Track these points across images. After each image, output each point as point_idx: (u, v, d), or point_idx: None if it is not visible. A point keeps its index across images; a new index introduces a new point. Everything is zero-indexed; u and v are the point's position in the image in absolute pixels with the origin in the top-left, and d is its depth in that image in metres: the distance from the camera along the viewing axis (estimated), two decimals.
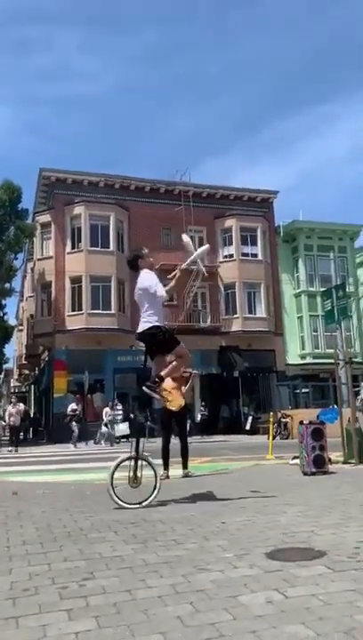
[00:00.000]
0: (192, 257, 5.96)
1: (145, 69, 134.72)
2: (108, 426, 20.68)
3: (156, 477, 5.01)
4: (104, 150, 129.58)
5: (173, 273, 5.43)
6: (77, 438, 20.15)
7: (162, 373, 5.13)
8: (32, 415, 33.02)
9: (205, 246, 5.74)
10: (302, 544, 3.22)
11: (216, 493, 5.53)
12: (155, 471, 5.06)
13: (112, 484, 4.81)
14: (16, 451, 17.74)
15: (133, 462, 5.04)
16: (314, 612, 2.14)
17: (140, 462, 5.06)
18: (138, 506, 4.77)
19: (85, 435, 21.20)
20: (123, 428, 20.81)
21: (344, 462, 8.24)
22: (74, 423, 20.31)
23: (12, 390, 29.50)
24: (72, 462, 11.85)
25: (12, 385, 59.38)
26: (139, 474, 5.04)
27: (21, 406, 20.12)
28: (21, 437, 23.33)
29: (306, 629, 1.97)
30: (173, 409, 7.46)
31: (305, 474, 6.87)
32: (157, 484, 4.96)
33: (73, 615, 2.23)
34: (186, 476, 7.37)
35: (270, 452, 10.77)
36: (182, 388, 7.68)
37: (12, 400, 21.25)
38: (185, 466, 7.53)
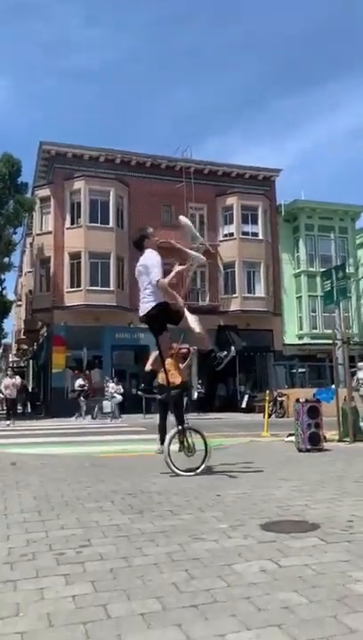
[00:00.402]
0: (191, 259, 5.77)
1: (147, 43, 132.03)
2: (112, 401, 20.70)
3: (206, 446, 5.21)
4: (105, 125, 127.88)
5: (179, 269, 5.43)
6: (84, 413, 20.33)
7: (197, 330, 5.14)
8: (30, 389, 33.19)
9: (200, 255, 5.65)
10: (297, 517, 3.27)
11: (212, 467, 5.59)
12: (204, 439, 5.29)
13: (169, 454, 5.11)
14: (13, 423, 17.42)
15: (184, 434, 5.25)
16: (307, 580, 2.18)
17: (188, 432, 5.32)
18: (193, 474, 5.01)
19: (86, 410, 21.29)
20: (107, 405, 21.03)
21: (339, 440, 8.33)
22: (82, 398, 20.52)
23: (10, 364, 29.24)
24: (70, 436, 11.96)
25: (10, 360, 59.53)
26: (191, 442, 5.29)
27: (18, 379, 19.66)
28: (19, 411, 23.57)
29: (299, 597, 2.01)
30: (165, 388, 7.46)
31: (300, 450, 6.95)
32: (208, 452, 5.19)
33: (70, 580, 2.27)
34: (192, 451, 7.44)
35: (265, 430, 10.87)
36: (180, 365, 7.70)
37: (9, 373, 21.05)
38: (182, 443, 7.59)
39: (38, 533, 3.03)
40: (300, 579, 2.20)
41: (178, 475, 5.02)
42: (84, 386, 21.01)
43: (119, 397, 20.64)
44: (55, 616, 1.90)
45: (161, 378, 7.45)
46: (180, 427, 5.40)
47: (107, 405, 21.07)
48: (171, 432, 5.47)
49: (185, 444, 5.31)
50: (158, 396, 5.67)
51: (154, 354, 5.57)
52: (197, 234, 5.84)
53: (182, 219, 6.02)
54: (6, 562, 2.53)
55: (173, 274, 5.29)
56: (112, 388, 20.90)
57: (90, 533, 3.00)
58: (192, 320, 5.22)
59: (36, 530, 3.12)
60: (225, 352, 5.91)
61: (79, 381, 21.23)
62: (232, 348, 5.87)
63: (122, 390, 21.32)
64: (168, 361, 7.32)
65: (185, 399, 19.22)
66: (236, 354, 5.61)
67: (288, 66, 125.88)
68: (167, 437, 5.35)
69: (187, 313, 5.20)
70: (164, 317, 5.07)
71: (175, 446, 5.35)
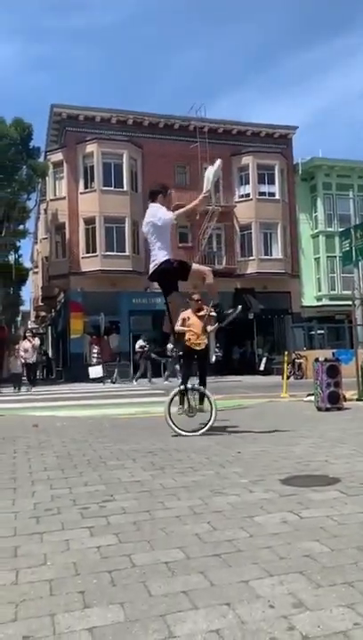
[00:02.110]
0: (210, 176, 5.54)
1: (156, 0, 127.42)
2: (144, 362, 20.30)
3: (212, 406, 5.22)
4: (115, 86, 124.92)
5: (196, 202, 5.31)
6: (142, 375, 19.85)
7: (177, 329, 5.21)
8: (48, 355, 33.62)
9: (218, 162, 5.43)
10: (316, 472, 3.29)
11: (231, 426, 5.64)
12: (210, 400, 5.28)
13: (169, 414, 5.13)
14: (32, 389, 16.44)
15: (186, 394, 5.27)
16: (328, 530, 2.20)
17: (191, 394, 5.40)
18: (195, 433, 5.03)
19: (105, 374, 21.58)
20: (98, 371, 21.25)
21: (358, 399, 8.32)
22: (143, 360, 20.11)
23: (32, 329, 27.91)
24: (90, 399, 12.14)
25: (29, 327, 60.26)
26: (193, 404, 5.31)
27: (37, 340, 18.36)
28: (38, 377, 22.39)
29: (320, 545, 2.03)
30: (198, 348, 7.44)
31: (319, 409, 6.96)
32: (214, 412, 5.18)
33: (94, 532, 2.32)
34: (200, 411, 7.50)
35: (284, 391, 10.89)
36: (208, 327, 7.64)
37: (27, 335, 18.71)
38: (201, 402, 7.65)
39: (62, 490, 3.10)
40: (321, 529, 2.22)
41: (179, 434, 4.99)
42: (144, 347, 20.30)
43: (98, 369, 20.61)
44: (81, 565, 1.95)
45: (191, 340, 7.45)
46: (181, 387, 5.39)
47: (93, 371, 21.13)
48: (172, 392, 5.44)
49: (186, 404, 5.31)
50: (169, 358, 5.72)
51: (181, 313, 5.52)
52: (209, 182, 5.60)
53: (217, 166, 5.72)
54: (32, 516, 2.60)
55: (189, 206, 5.27)
56: (140, 346, 20.87)
57: (112, 489, 3.05)
58: (202, 268, 5.20)
59: (60, 486, 3.19)
60: (232, 309, 5.82)
61: (140, 342, 20.43)
62: (239, 306, 5.76)
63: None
64: (197, 323, 7.29)
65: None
66: (242, 313, 5.53)
67: (302, 19, 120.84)
68: (168, 397, 5.32)
69: (194, 264, 5.17)
70: (173, 273, 5.00)
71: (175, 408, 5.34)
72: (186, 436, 4.98)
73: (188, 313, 7.43)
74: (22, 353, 16.60)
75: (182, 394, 5.41)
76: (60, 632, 1.48)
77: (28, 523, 2.49)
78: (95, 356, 21.77)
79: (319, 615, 1.51)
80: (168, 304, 5.19)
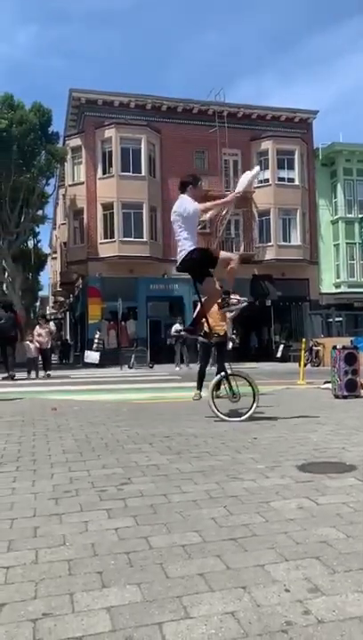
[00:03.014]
0: (246, 180, 5.67)
1: None
2: (179, 346, 20.13)
3: (254, 392, 5.24)
4: (134, 70, 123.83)
5: (227, 199, 5.41)
6: (180, 360, 19.75)
7: (196, 314, 5.24)
8: (64, 340, 33.85)
9: (256, 168, 5.55)
10: (333, 459, 3.28)
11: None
12: (252, 384, 5.30)
13: (214, 398, 5.24)
14: (47, 376, 15.39)
15: (227, 379, 5.30)
16: (345, 517, 2.20)
17: (234, 379, 5.39)
18: (239, 419, 5.06)
19: (122, 360, 21.72)
20: (94, 357, 21.33)
21: None
22: (178, 344, 19.96)
23: (45, 314, 27.35)
24: (107, 384, 12.24)
25: (47, 312, 60.82)
26: (236, 389, 5.35)
27: (52, 325, 17.96)
28: (54, 361, 21.47)
29: (337, 532, 2.04)
30: (216, 335, 7.46)
31: (337, 397, 6.93)
32: (256, 396, 5.22)
33: (112, 514, 2.36)
34: (218, 397, 7.52)
35: (301, 378, 10.86)
36: (227, 314, 7.65)
37: (40, 321, 17.64)
38: (218, 388, 7.66)
39: (80, 472, 3.15)
40: (337, 515, 2.22)
41: (223, 420, 5.08)
42: (179, 331, 20.32)
43: (95, 355, 20.59)
44: (99, 546, 1.99)
45: (206, 325, 7.47)
46: (224, 373, 5.43)
47: (89, 357, 21.21)
48: (216, 378, 5.51)
49: (228, 390, 5.36)
50: (202, 340, 5.70)
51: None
52: (250, 175, 5.67)
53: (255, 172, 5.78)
54: (51, 497, 2.65)
55: (219, 201, 5.32)
56: (175, 329, 20.88)
57: (130, 472, 3.09)
58: (230, 255, 5.23)
59: (78, 469, 3.23)
60: (238, 298, 5.82)
61: (176, 326, 19.86)
62: (245, 302, 5.77)
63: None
64: (215, 310, 7.31)
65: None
66: (248, 304, 5.49)
67: (321, 1, 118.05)
68: (212, 383, 5.41)
69: (222, 252, 5.19)
70: (201, 261, 5.02)
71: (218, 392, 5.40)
72: (229, 421, 5.04)
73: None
74: (37, 337, 16.06)
75: (225, 379, 5.43)
76: (78, 610, 1.51)
77: (47, 504, 2.54)
78: (96, 341, 21.86)
79: (335, 600, 1.52)
80: (199, 293, 5.26)
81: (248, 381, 5.35)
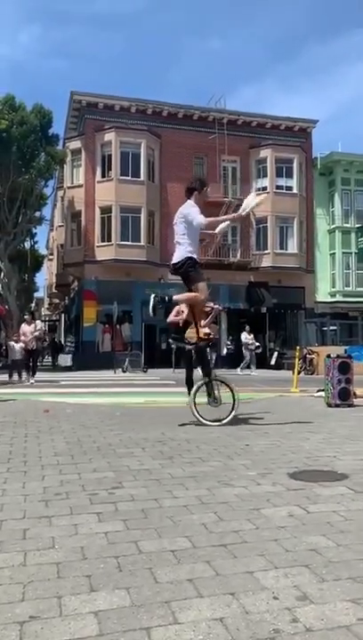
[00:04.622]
0: (250, 204, 5.72)
1: None
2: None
3: (234, 397, 5.31)
4: (135, 74, 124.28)
5: (231, 216, 5.55)
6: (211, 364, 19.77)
7: (175, 297, 5.30)
8: (56, 340, 33.67)
9: (262, 196, 5.80)
10: (325, 467, 3.29)
11: (240, 419, 5.65)
12: (233, 391, 5.37)
13: (195, 403, 5.24)
14: (30, 380, 13.73)
15: (209, 385, 5.31)
16: (335, 526, 2.20)
17: (215, 384, 5.43)
18: (219, 423, 5.11)
19: (116, 363, 21.69)
20: (66, 359, 21.33)
21: None
22: (207, 350, 20.02)
23: (31, 310, 24.96)
24: (101, 387, 12.22)
25: (42, 314, 60.69)
26: (217, 394, 5.40)
27: (39, 324, 15.29)
28: (39, 364, 18.25)
29: (327, 540, 2.04)
30: (192, 341, 7.54)
31: (330, 405, 6.93)
32: (236, 402, 5.29)
33: (103, 517, 2.35)
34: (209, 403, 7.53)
35: (294, 386, 10.86)
36: (202, 321, 7.72)
37: (26, 317, 15.38)
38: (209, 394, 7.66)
39: (72, 475, 3.13)
40: (328, 524, 2.22)
41: (204, 424, 5.11)
42: (209, 334, 20.12)
43: (67, 357, 20.62)
44: (89, 550, 1.98)
45: (189, 331, 7.51)
46: (206, 378, 5.46)
47: (62, 359, 21.24)
48: (198, 383, 5.55)
49: (212, 395, 5.38)
50: (188, 346, 5.79)
51: (177, 307, 5.63)
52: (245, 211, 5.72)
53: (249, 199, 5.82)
54: (42, 500, 2.63)
55: (222, 218, 5.41)
56: (245, 338, 20.94)
57: (121, 477, 3.08)
58: (192, 295, 5.30)
59: (69, 472, 3.22)
60: (211, 306, 5.87)
61: (204, 330, 20.27)
62: (218, 306, 5.93)
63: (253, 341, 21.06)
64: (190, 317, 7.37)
65: (214, 355, 19.42)
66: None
67: (324, 11, 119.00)
68: (194, 388, 5.43)
69: (198, 291, 5.23)
70: (185, 272, 5.15)
71: (203, 398, 5.41)
72: (210, 425, 5.07)
73: (183, 306, 7.47)
74: (22, 337, 14.19)
75: (207, 384, 5.46)
76: (66, 614, 1.50)
77: (37, 506, 2.53)
78: (68, 345, 21.83)
79: (323, 609, 1.52)
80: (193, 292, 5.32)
81: (229, 388, 5.39)
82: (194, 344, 7.64)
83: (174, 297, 5.42)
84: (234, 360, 26.00)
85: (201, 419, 5.17)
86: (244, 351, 21.00)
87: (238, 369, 20.54)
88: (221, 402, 5.41)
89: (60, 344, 33.40)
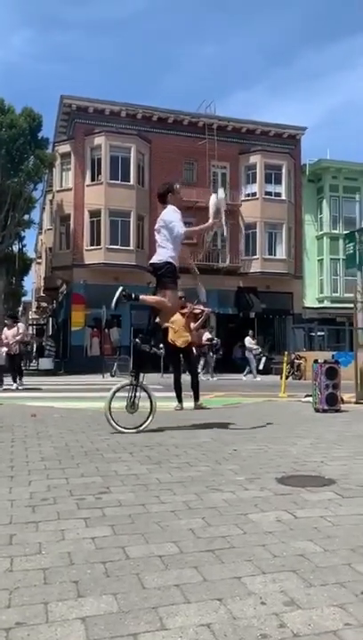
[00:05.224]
0: (213, 206, 5.62)
1: None
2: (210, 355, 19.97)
3: (151, 404, 5.16)
4: (126, 80, 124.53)
5: (207, 225, 5.46)
6: (210, 369, 19.33)
7: (142, 297, 5.21)
8: (43, 344, 33.35)
9: (220, 195, 5.52)
10: (313, 472, 3.30)
11: (228, 424, 5.66)
12: (151, 398, 5.20)
13: (110, 409, 5.00)
14: (17, 389, 12.84)
15: (131, 390, 5.18)
16: (322, 531, 2.21)
17: (137, 390, 5.22)
18: (134, 431, 4.94)
19: (104, 368, 21.61)
20: (46, 363, 21.38)
21: (357, 402, 8.32)
22: (211, 354, 19.56)
23: (13, 313, 24.28)
24: (89, 391, 12.16)
25: (30, 317, 60.35)
26: (136, 401, 5.18)
27: (21, 327, 14.41)
28: (25, 368, 18.53)
29: (314, 545, 2.05)
30: (179, 344, 7.55)
31: (317, 411, 6.97)
32: (153, 411, 5.13)
33: (90, 523, 2.33)
34: (198, 407, 7.54)
35: (282, 391, 10.91)
36: (191, 324, 7.73)
37: (7, 321, 14.69)
38: (196, 398, 7.67)
39: (59, 480, 3.12)
40: (315, 529, 2.23)
41: (120, 432, 4.89)
42: (211, 339, 19.36)
43: (46, 361, 20.79)
44: (76, 555, 1.97)
45: (170, 336, 7.52)
46: (132, 381, 5.20)
47: (41, 363, 21.41)
48: (116, 386, 5.24)
49: (129, 400, 5.16)
50: (159, 352, 5.64)
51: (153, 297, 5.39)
52: (221, 216, 5.65)
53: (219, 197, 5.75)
54: (28, 505, 2.61)
55: (200, 228, 5.33)
56: (249, 342, 20.73)
57: (109, 482, 3.07)
58: (160, 300, 5.19)
59: (56, 477, 3.20)
60: (201, 309, 5.82)
61: (206, 335, 19.16)
62: (209, 309, 5.81)
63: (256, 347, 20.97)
64: (180, 320, 7.38)
65: (203, 359, 19.43)
66: (214, 313, 5.46)
67: (317, 18, 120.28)
68: (110, 392, 5.09)
69: (166, 297, 5.11)
70: (164, 276, 5.07)
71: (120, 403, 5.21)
72: (124, 432, 4.88)
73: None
74: (4, 341, 13.52)
75: (130, 388, 5.26)
76: (53, 620, 1.49)
77: (24, 511, 2.51)
78: (48, 349, 21.91)
79: (311, 614, 1.52)
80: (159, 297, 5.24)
81: (149, 396, 5.19)
82: (181, 349, 7.66)
83: (141, 297, 5.24)
84: (224, 365, 26.05)
85: (116, 425, 4.94)
86: (248, 355, 20.94)
87: (243, 376, 20.59)
88: (137, 408, 5.18)
89: (44, 346, 33.25)
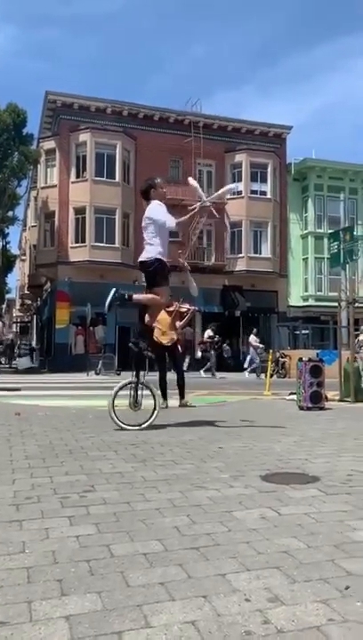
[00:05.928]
0: (219, 193, 5.76)
1: None
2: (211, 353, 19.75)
3: (155, 402, 5.17)
4: (112, 77, 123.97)
5: (193, 207, 5.41)
6: (213, 367, 19.17)
7: (135, 296, 5.22)
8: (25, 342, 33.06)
9: (234, 185, 5.71)
10: (297, 470, 3.32)
11: (214, 422, 5.67)
12: (154, 396, 5.21)
13: (113, 406, 5.03)
14: None
15: (133, 388, 5.20)
16: (306, 527, 2.23)
17: (140, 388, 5.21)
18: (137, 428, 4.96)
19: (89, 366, 21.52)
20: (25, 362, 21.39)
21: (340, 400, 8.40)
22: (212, 352, 19.52)
23: (14, 320, 25.83)
24: (74, 390, 12.11)
25: (14, 315, 59.86)
26: (139, 398, 5.20)
27: None
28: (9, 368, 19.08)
29: (298, 542, 2.06)
30: (164, 342, 7.54)
31: (301, 408, 7.02)
32: (157, 408, 5.15)
33: (74, 521, 2.32)
34: (183, 406, 7.54)
35: (267, 389, 10.96)
36: (177, 323, 7.74)
37: None
38: (182, 396, 7.68)
39: (43, 478, 3.10)
40: (299, 526, 2.24)
41: (123, 428, 4.93)
42: (213, 337, 19.40)
43: (25, 360, 20.77)
44: (60, 554, 1.96)
45: (156, 334, 7.51)
46: (135, 379, 5.23)
47: (20, 363, 21.42)
48: (119, 384, 5.30)
49: (132, 398, 5.20)
50: (149, 353, 5.67)
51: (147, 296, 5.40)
52: (204, 196, 5.65)
53: (191, 181, 5.86)
54: (12, 504, 2.59)
55: (186, 217, 5.31)
56: (254, 340, 20.67)
57: (93, 480, 3.06)
58: (156, 298, 5.20)
59: (40, 475, 3.18)
60: (188, 307, 6.23)
61: (208, 332, 19.41)
62: (195, 307, 5.85)
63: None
64: (165, 318, 7.38)
65: (188, 357, 19.45)
66: (199, 312, 5.55)
67: (304, 18, 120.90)
68: (114, 389, 5.15)
69: (159, 295, 5.12)
70: (153, 274, 5.07)
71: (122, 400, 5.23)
72: (129, 430, 4.91)
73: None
74: None
75: (133, 386, 5.30)
76: (36, 619, 1.48)
77: (7, 510, 2.49)
78: (23, 347, 21.85)
79: (294, 610, 1.53)
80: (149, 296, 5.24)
81: (152, 393, 5.24)
82: (163, 348, 7.63)
83: (135, 296, 5.26)
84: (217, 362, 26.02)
85: (120, 422, 4.98)
86: (251, 353, 20.96)
87: (246, 373, 20.67)
88: (140, 406, 5.22)
89: (31, 346, 32.94)
